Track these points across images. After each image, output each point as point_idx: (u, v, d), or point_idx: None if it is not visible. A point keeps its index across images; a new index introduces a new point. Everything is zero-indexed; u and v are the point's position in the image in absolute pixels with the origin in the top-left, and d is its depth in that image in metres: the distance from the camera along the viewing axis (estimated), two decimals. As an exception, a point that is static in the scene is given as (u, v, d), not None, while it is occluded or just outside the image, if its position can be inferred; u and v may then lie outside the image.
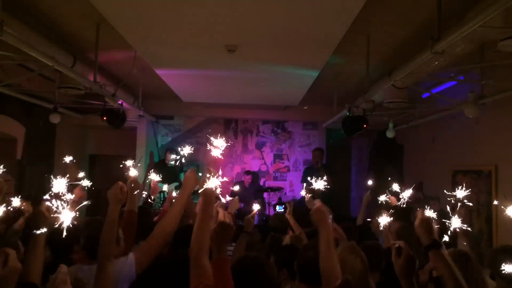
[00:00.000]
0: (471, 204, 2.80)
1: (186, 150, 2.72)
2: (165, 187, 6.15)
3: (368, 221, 4.12)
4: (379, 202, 3.86)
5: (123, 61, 5.60)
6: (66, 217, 1.78)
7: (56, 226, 1.79)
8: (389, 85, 4.85)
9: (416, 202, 6.73)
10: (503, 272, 2.31)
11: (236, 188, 5.51)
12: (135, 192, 2.82)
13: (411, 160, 8.63)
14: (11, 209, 3.05)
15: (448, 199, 2.61)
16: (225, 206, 2.62)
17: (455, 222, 2.26)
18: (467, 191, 2.62)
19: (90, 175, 8.35)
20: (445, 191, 2.73)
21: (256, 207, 3.54)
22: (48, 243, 2.27)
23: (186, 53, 4.78)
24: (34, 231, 1.91)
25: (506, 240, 4.83)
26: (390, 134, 7.16)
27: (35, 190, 6.80)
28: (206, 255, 1.72)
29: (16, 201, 3.16)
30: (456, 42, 3.29)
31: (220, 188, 2.08)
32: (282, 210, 6.81)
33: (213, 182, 1.92)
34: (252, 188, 8.66)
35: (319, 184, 3.04)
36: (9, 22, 3.29)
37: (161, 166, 8.20)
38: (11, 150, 6.77)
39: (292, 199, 8.68)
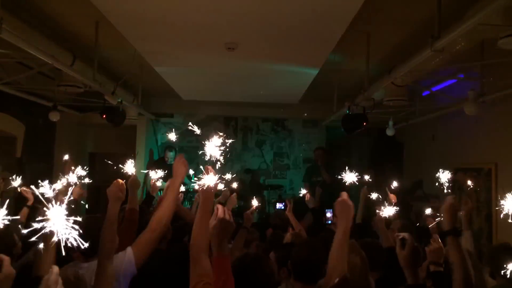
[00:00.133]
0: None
1: (172, 136, 2.67)
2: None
3: (368, 219, 4.12)
4: (377, 197, 3.86)
5: (123, 59, 5.59)
6: (57, 224, 1.34)
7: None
8: (389, 83, 4.84)
9: (416, 200, 6.76)
10: (503, 271, 2.32)
11: (235, 185, 5.50)
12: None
13: (411, 158, 8.62)
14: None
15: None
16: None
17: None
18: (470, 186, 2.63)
19: (89, 173, 8.33)
20: (445, 189, 2.73)
21: (255, 203, 3.54)
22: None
23: (185, 51, 4.77)
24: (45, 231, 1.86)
25: (506, 238, 4.83)
26: (390, 132, 7.14)
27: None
28: (206, 252, 1.72)
29: (17, 182, 3.14)
30: (456, 40, 3.29)
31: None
32: (282, 207, 6.80)
33: (212, 180, 1.91)
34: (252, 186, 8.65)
35: (351, 176, 3.03)
36: (8, 20, 3.28)
37: (160, 164, 8.19)
38: (10, 148, 6.76)
39: (292, 196, 8.66)
